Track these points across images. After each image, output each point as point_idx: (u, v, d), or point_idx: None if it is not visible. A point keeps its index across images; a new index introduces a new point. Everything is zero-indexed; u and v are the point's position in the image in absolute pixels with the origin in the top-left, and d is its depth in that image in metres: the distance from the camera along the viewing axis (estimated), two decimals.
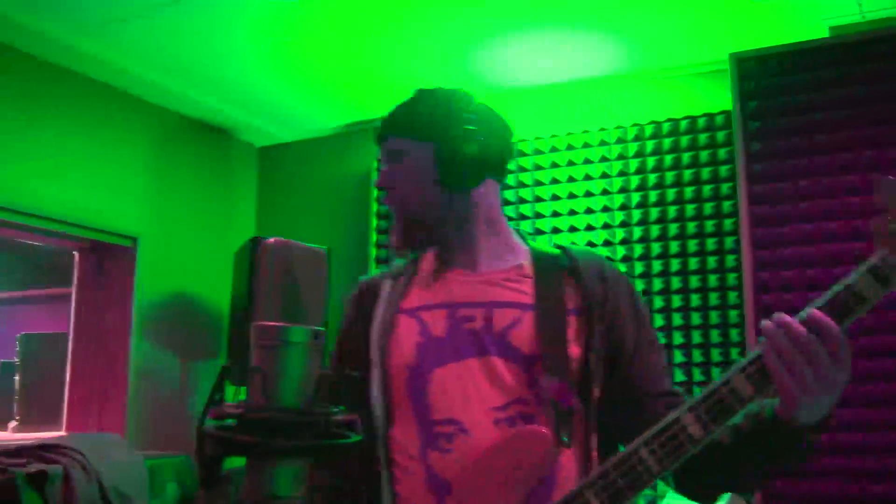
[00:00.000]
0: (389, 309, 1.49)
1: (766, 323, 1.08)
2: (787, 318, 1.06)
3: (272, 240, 3.17)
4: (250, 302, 3.12)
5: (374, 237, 3.58)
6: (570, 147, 3.27)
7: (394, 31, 2.94)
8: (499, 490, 1.30)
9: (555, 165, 3.30)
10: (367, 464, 1.49)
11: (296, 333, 0.82)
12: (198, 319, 3.65)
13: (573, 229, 3.23)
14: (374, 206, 3.61)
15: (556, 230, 3.25)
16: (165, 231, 3.49)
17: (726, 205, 2.96)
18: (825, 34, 2.75)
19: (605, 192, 3.18)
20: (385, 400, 1.43)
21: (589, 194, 3.21)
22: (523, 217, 3.32)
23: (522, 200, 3.33)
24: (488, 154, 1.48)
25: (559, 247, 1.53)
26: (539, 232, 3.28)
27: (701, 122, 3.07)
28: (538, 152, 3.33)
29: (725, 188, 2.98)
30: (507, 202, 3.32)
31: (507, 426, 1.35)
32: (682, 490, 1.31)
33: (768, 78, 2.59)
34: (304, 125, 3.87)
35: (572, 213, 3.23)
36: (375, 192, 3.60)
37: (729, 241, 2.94)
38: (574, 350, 1.38)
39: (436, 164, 1.46)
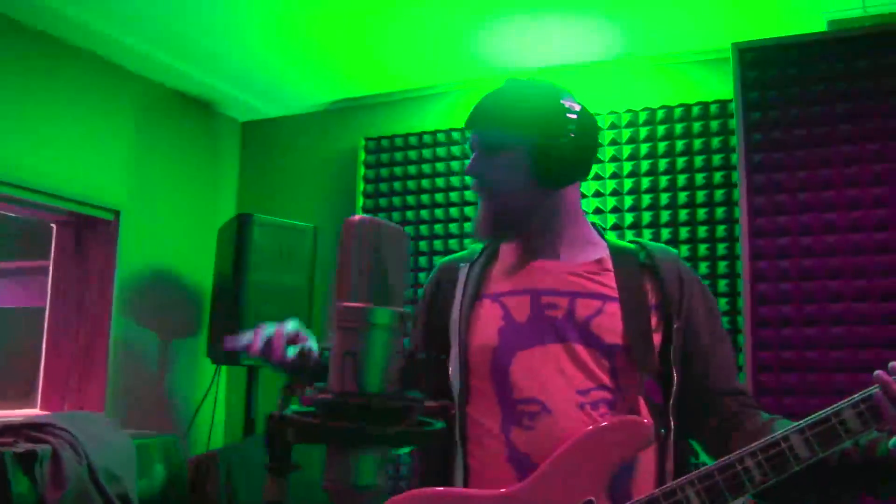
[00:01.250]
0: (471, 293, 1.54)
1: (879, 372, 1.22)
2: None
3: (259, 216, 3.13)
4: (236, 279, 3.07)
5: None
6: None
7: (389, 9, 2.88)
8: (588, 471, 1.37)
9: None
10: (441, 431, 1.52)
11: (381, 315, 0.79)
12: (178, 296, 3.56)
13: None
14: (361, 185, 3.55)
15: None
16: (148, 205, 3.39)
17: (718, 193, 2.97)
18: (824, 27, 2.77)
19: (597, 178, 3.17)
20: (463, 378, 1.49)
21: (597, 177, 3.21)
22: None
23: None
24: (582, 155, 1.52)
25: (635, 242, 1.60)
26: None
27: (696, 111, 3.07)
28: None
29: (718, 177, 2.99)
30: None
31: (591, 409, 1.42)
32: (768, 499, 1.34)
33: (770, 69, 2.59)
34: (290, 101, 3.78)
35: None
36: (362, 171, 3.56)
37: (720, 230, 2.95)
38: (655, 343, 1.45)
39: (531, 163, 1.50)
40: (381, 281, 0.80)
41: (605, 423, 1.39)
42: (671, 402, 1.44)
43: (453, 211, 3.38)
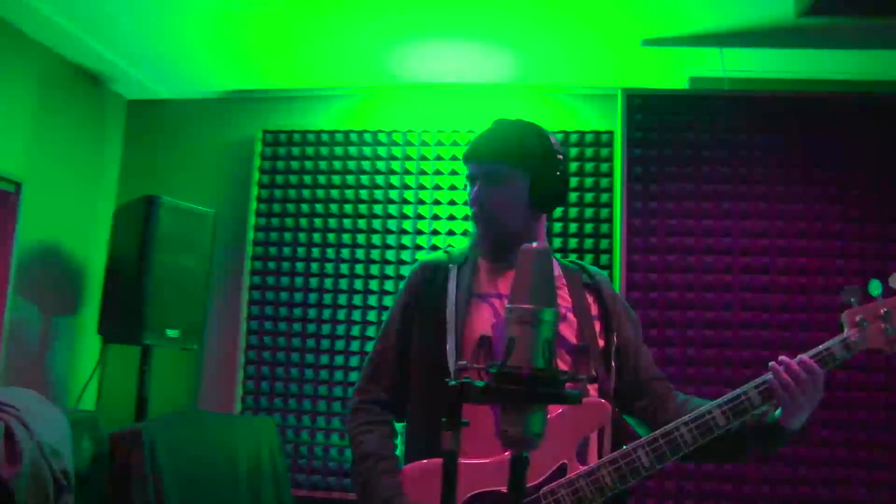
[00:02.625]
0: (463, 291, 1.86)
1: (772, 364, 1.69)
2: (788, 359, 1.69)
3: (166, 199, 3.18)
4: (141, 260, 3.11)
5: (254, 205, 3.66)
6: (454, 143, 3.60)
7: (307, 7, 2.99)
8: (562, 441, 1.73)
9: (439, 158, 3.60)
10: (436, 408, 1.79)
11: (548, 314, 1.09)
12: (64, 273, 3.51)
13: (451, 217, 3.54)
14: (256, 176, 3.68)
15: (436, 217, 3.55)
16: (49, 179, 3.32)
17: (588, 211, 3.44)
18: (685, 83, 3.33)
19: None
20: (458, 360, 1.80)
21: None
22: (406, 202, 3.58)
23: (406, 186, 3.59)
24: (566, 186, 1.91)
25: (576, 263, 2.00)
26: (419, 217, 3.56)
27: (573, 138, 3.52)
28: (424, 144, 3.62)
29: (589, 197, 3.46)
30: (391, 186, 3.58)
31: None
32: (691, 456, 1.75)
33: (651, 113, 3.11)
34: (184, 83, 3.79)
35: (452, 202, 3.56)
36: (258, 162, 3.68)
37: (604, 243, 3.42)
38: (600, 344, 1.86)
39: (530, 192, 1.86)
40: (546, 289, 1.11)
41: (573, 406, 1.66)
42: (613, 388, 1.84)
43: (347, 208, 3.61)
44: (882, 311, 1.73)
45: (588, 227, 3.43)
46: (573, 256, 3.43)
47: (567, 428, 1.77)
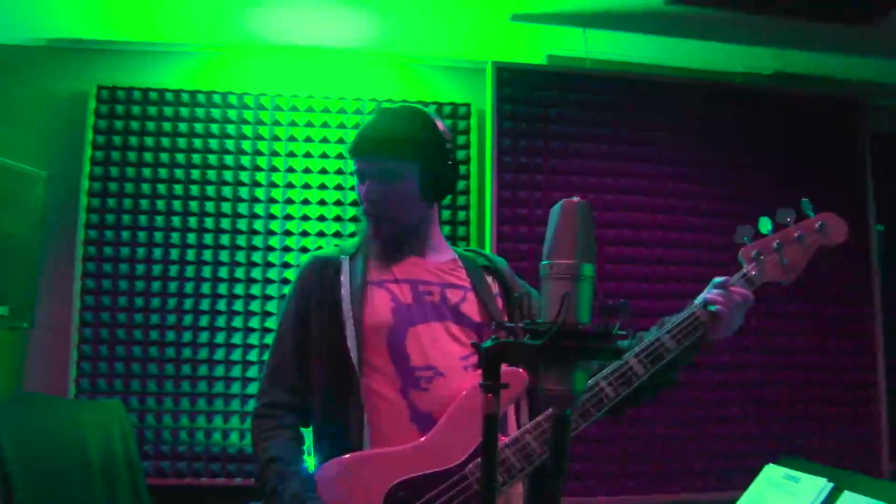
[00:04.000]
0: (357, 280, 1.86)
1: (714, 293, 1.80)
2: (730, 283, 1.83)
3: None
4: None
5: (87, 168, 3.33)
6: (309, 109, 3.48)
7: None
8: (479, 418, 1.70)
9: (293, 124, 3.47)
10: (342, 402, 1.79)
11: (588, 269, 1.10)
12: None
13: (306, 185, 3.43)
14: (90, 135, 3.34)
15: (290, 185, 3.42)
16: None
17: (461, 184, 3.47)
18: (543, 60, 3.44)
19: (340, 157, 3.46)
20: (359, 352, 1.79)
21: (324, 156, 3.46)
22: (258, 168, 3.42)
23: (259, 152, 3.43)
24: (457, 172, 1.95)
25: (471, 250, 2.08)
26: (272, 185, 3.41)
27: (430, 110, 3.53)
28: (277, 108, 3.46)
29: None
30: (242, 151, 3.40)
31: (472, 370, 1.83)
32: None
33: (520, 87, 3.18)
34: (9, 27, 3.35)
35: (307, 170, 3.44)
36: (92, 120, 3.35)
37: (461, 214, 3.46)
38: (504, 320, 1.93)
39: (422, 185, 1.87)
40: (587, 244, 1.11)
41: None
42: None
43: (195, 173, 3.38)
44: (774, 243, 1.86)
45: (445, 199, 3.44)
46: None
47: None
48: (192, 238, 3.33)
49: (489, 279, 1.98)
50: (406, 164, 1.85)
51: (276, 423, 1.84)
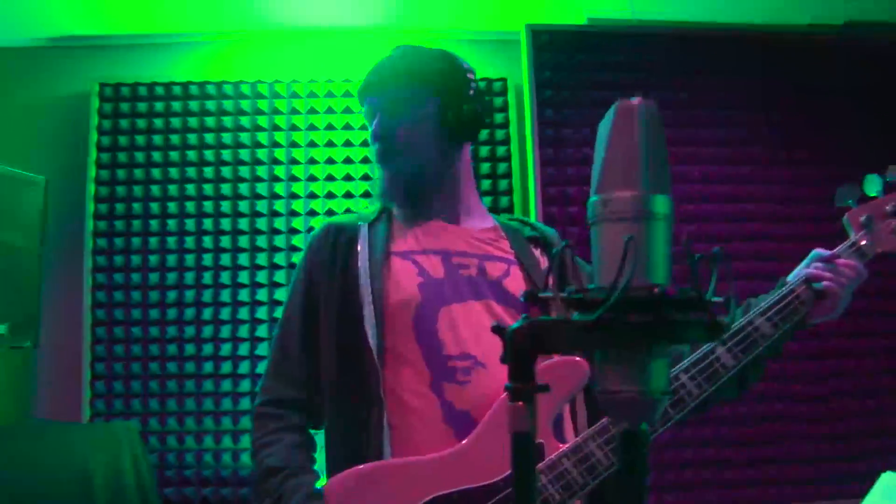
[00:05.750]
0: (378, 250, 1.53)
1: (814, 268, 1.49)
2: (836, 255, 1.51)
3: None
4: None
5: (93, 172, 3.06)
6: (329, 94, 3.17)
7: None
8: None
9: (313, 111, 3.16)
10: (358, 399, 1.47)
11: (661, 203, 0.73)
12: None
13: (330, 178, 3.11)
14: (95, 136, 3.08)
15: (312, 178, 3.11)
16: None
17: (502, 166, 3.11)
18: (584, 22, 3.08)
19: (366, 144, 3.14)
20: (380, 337, 1.46)
21: (348, 144, 3.14)
22: (276, 162, 3.11)
23: (276, 144, 3.13)
24: (481, 110, 1.61)
25: (516, 219, 1.75)
26: (293, 179, 3.11)
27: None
28: (294, 95, 3.16)
29: (501, 150, 3.13)
30: (258, 145, 3.10)
31: None
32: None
33: (560, 52, 2.82)
34: (4, 29, 3.10)
35: (330, 161, 3.13)
36: (96, 120, 3.09)
37: (504, 201, 3.10)
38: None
39: (440, 117, 1.56)
40: (658, 167, 0.75)
41: (543, 365, 1.43)
42: None
43: (208, 172, 3.10)
44: (888, 206, 1.53)
45: (485, 185, 3.10)
46: None
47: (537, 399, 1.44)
48: (208, 241, 3.04)
49: (537, 252, 1.65)
50: (419, 92, 1.57)
51: (280, 423, 1.53)
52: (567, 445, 1.42)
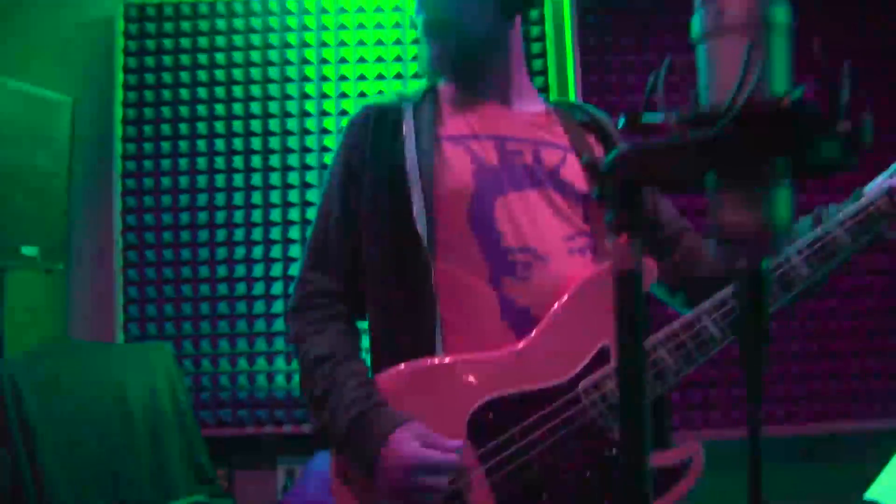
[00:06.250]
0: (426, 134, 1.42)
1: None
2: None
3: (5, 80, 2.51)
4: None
5: (121, 94, 2.99)
6: (360, 10, 3.05)
7: None
8: (598, 316, 1.33)
9: (343, 27, 3.05)
10: (407, 294, 1.38)
11: (780, 13, 0.64)
12: None
13: (362, 94, 3.01)
14: (122, 59, 3.00)
15: (343, 95, 3.01)
16: None
17: (535, 46, 2.99)
18: None
19: (399, 59, 3.03)
20: (431, 227, 1.36)
21: (380, 60, 3.03)
22: (306, 79, 3.01)
23: (306, 61, 3.03)
24: None
25: (566, 102, 1.65)
26: (324, 96, 3.01)
27: None
28: (323, 11, 3.05)
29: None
30: (287, 62, 3.00)
31: (580, 256, 1.41)
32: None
33: None
34: None
35: (362, 77, 3.02)
36: (122, 42, 3.00)
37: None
38: None
39: None
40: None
41: (608, 266, 1.37)
42: None
43: (237, 91, 3.01)
44: None
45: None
46: None
47: (603, 298, 1.35)
48: (238, 162, 2.97)
49: (591, 139, 1.53)
50: None
51: (323, 313, 1.44)
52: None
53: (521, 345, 1.34)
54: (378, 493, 1.29)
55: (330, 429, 1.34)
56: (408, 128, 1.44)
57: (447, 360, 1.35)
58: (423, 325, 1.35)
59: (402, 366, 1.35)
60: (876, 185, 1.40)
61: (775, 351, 2.71)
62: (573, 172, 1.45)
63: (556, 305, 1.36)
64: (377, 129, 1.46)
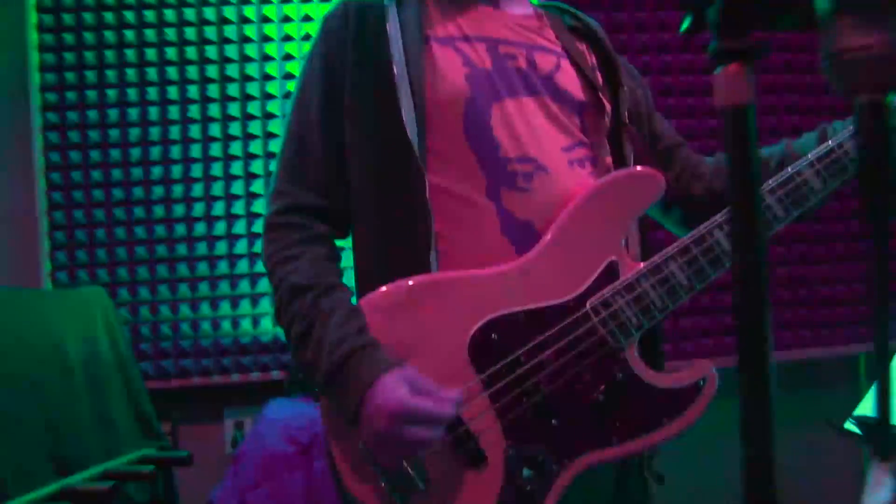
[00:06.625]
0: (413, 35, 1.29)
1: None
2: None
3: None
4: None
5: (34, 17, 2.71)
6: None
7: None
8: (604, 230, 1.27)
9: None
10: (398, 208, 1.28)
11: None
12: None
13: (307, 19, 2.81)
14: (34, 17, 2.70)
15: (286, 19, 2.80)
16: None
17: None
18: None
19: None
20: (423, 135, 1.25)
21: None
22: (246, 2, 2.79)
23: None
24: None
25: (553, 4, 1.50)
26: (265, 20, 2.79)
27: None
28: None
29: None
30: None
31: (580, 168, 1.32)
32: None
33: None
34: None
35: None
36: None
37: None
38: (607, 104, 1.38)
39: None
40: None
41: (614, 177, 1.31)
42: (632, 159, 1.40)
43: (169, 14, 2.75)
44: None
45: None
46: None
47: (610, 209, 1.29)
48: (173, 92, 2.74)
49: (582, 47, 1.43)
50: None
51: (302, 234, 1.30)
52: (645, 265, 1.25)
53: (523, 260, 1.25)
54: (364, 443, 1.17)
55: (313, 369, 1.20)
56: (392, 27, 1.31)
57: (444, 276, 1.25)
58: (417, 242, 1.24)
59: (397, 284, 1.23)
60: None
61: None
62: (568, 80, 1.36)
63: (560, 218, 1.27)
64: (358, 27, 1.32)
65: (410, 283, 1.22)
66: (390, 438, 1.11)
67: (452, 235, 1.25)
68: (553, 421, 1.21)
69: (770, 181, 1.28)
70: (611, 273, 1.25)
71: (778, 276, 2.78)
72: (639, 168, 1.33)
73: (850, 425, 1.79)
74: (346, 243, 1.36)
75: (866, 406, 1.84)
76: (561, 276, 1.24)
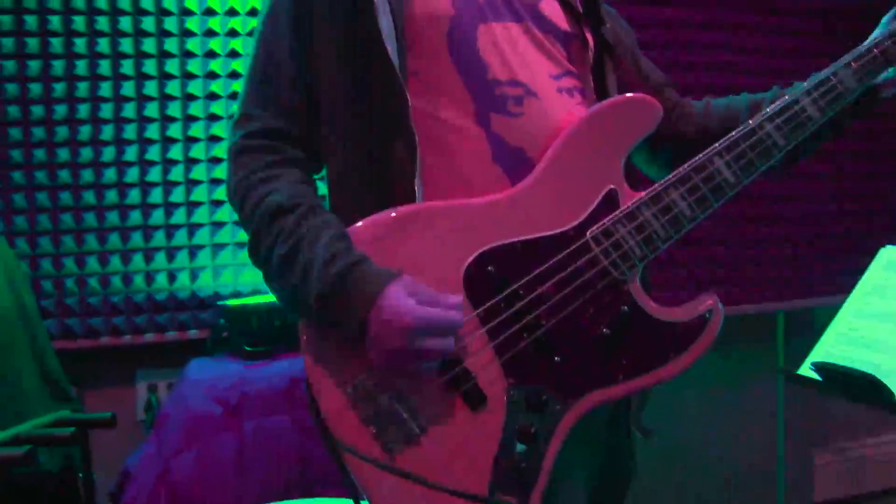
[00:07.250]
0: None
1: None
2: None
3: None
4: None
5: None
6: None
7: None
8: (602, 158, 1.22)
9: None
10: (380, 134, 1.18)
11: None
12: None
13: None
14: None
15: None
16: None
17: None
18: None
19: None
20: (404, 55, 1.16)
21: None
22: None
23: None
24: None
25: None
26: None
27: None
28: None
29: None
30: None
31: (568, 97, 1.26)
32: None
33: None
34: None
35: None
36: None
37: None
38: (590, 38, 1.32)
39: None
40: None
41: (612, 102, 1.26)
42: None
43: None
44: None
45: None
46: None
47: (609, 137, 1.21)
48: (80, 24, 2.48)
49: None
50: None
51: (275, 156, 1.19)
52: (645, 193, 1.20)
53: (516, 189, 1.18)
54: (373, 363, 1.06)
55: (301, 293, 1.07)
56: None
57: (432, 205, 1.15)
58: (402, 169, 1.15)
59: (383, 214, 1.14)
60: (882, 29, 1.34)
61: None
62: (552, 10, 1.30)
63: (554, 145, 1.20)
64: None
65: (393, 213, 1.13)
66: (406, 354, 1.03)
67: (438, 163, 1.17)
68: (556, 358, 1.13)
69: (768, 108, 1.25)
70: (610, 202, 1.19)
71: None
72: (636, 94, 1.26)
73: (807, 371, 1.80)
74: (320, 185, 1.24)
75: (820, 352, 1.85)
76: (558, 205, 1.18)
